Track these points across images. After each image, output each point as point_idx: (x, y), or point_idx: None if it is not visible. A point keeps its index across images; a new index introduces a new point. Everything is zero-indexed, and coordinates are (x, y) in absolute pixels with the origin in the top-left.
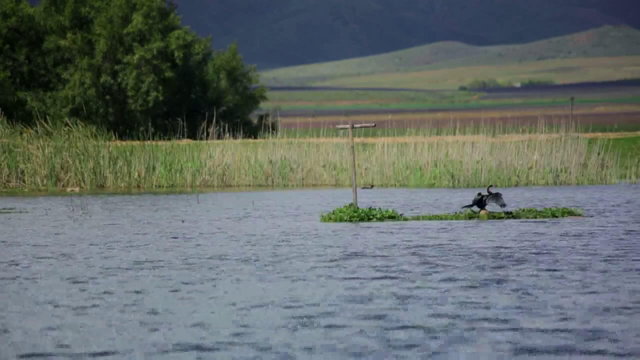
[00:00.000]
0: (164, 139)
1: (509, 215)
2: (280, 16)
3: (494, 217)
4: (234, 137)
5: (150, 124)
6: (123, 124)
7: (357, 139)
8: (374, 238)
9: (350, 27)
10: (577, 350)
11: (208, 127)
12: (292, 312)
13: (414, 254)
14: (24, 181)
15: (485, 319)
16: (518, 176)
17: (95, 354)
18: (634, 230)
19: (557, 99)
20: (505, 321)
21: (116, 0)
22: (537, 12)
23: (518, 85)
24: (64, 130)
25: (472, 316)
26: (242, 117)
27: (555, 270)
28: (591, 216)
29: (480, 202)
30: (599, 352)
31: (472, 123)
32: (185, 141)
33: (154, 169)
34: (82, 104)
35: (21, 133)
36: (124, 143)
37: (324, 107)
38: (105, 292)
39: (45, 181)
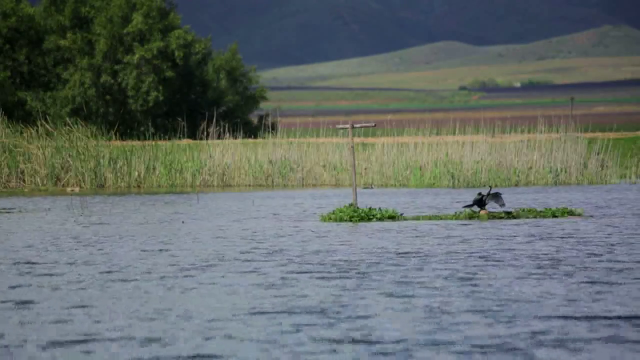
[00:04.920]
0: (164, 139)
1: (509, 215)
2: (280, 16)
3: (494, 217)
4: (234, 137)
5: (150, 124)
6: (123, 124)
7: (357, 139)
8: (373, 238)
9: (350, 27)
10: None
11: (208, 127)
12: (291, 315)
13: (414, 254)
14: (24, 181)
15: (486, 319)
16: (518, 176)
17: (86, 354)
18: (634, 230)
19: (557, 99)
20: (505, 320)
21: (116, 0)
22: (537, 12)
23: (518, 85)
24: (64, 130)
25: (472, 316)
26: (242, 117)
27: (555, 270)
28: (591, 216)
29: (480, 202)
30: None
31: (472, 123)
32: (185, 141)
33: (154, 169)
34: (82, 104)
35: (21, 133)
36: (124, 143)
37: (324, 107)
38: (103, 293)
39: (45, 181)
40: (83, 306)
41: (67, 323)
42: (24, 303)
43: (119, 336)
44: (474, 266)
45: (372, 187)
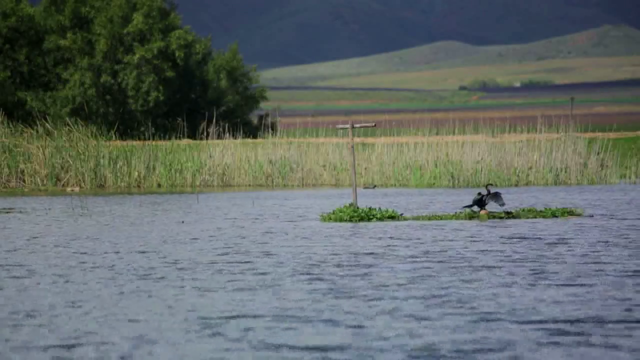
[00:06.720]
0: (164, 139)
1: (509, 215)
2: (280, 16)
3: (494, 217)
4: (234, 137)
5: (150, 124)
6: (123, 124)
7: (357, 139)
8: (373, 238)
9: (350, 27)
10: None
11: (208, 127)
12: (290, 315)
13: (413, 254)
14: (24, 181)
15: (486, 319)
16: (518, 176)
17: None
18: (633, 230)
19: (557, 99)
20: (504, 321)
21: (116, 0)
22: (537, 12)
23: (518, 85)
24: (64, 130)
25: (472, 316)
26: (242, 117)
27: (555, 269)
28: (591, 216)
29: (480, 202)
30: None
31: (472, 123)
32: (185, 141)
33: (154, 169)
34: (82, 104)
35: (21, 133)
36: (124, 143)
37: (324, 107)
38: (102, 293)
39: (45, 181)
40: (84, 309)
41: (66, 325)
42: (24, 303)
43: (119, 336)
44: (474, 266)
45: (373, 187)
